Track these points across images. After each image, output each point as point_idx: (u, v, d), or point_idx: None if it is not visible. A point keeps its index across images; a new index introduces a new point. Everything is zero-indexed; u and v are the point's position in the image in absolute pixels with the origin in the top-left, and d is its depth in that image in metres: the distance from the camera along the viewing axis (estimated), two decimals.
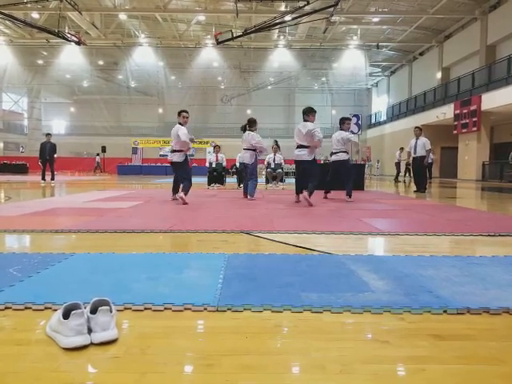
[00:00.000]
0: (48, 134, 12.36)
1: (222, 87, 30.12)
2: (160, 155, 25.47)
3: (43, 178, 11.95)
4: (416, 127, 9.87)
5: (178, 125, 6.15)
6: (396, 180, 16.35)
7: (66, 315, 1.30)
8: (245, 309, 1.60)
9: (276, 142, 11.65)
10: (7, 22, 21.48)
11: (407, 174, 16.86)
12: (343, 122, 6.83)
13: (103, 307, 1.33)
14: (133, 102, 29.53)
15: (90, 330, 1.30)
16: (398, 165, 17.29)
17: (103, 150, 24.39)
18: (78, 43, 18.39)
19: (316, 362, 1.21)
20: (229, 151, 15.60)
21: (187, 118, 6.23)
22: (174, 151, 6.21)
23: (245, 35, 16.51)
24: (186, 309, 1.60)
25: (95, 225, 3.73)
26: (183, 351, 1.27)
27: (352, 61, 26.58)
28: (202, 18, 23.57)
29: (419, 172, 9.69)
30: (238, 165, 10.71)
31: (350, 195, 6.55)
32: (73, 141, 28.43)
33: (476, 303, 1.65)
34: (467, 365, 1.20)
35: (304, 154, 5.87)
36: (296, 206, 5.64)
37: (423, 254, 2.58)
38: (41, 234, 3.36)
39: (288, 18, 15.68)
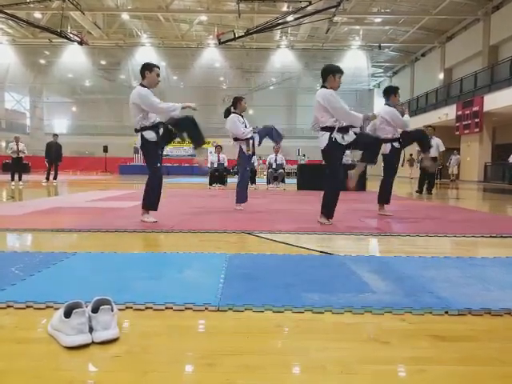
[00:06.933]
0: (55, 135, 12.42)
1: (224, 87, 30.08)
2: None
3: (47, 178, 11.97)
4: (429, 126, 9.43)
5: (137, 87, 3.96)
6: None
7: (67, 314, 1.30)
8: (246, 309, 1.60)
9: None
10: (10, 21, 21.53)
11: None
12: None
13: (104, 306, 1.33)
14: None
15: (91, 329, 1.31)
16: None
17: (105, 149, 24.40)
18: (81, 43, 18.42)
19: (316, 362, 1.21)
20: (230, 151, 15.58)
21: (159, 75, 4.02)
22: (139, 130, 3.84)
23: (247, 35, 16.51)
24: (187, 308, 1.61)
25: (97, 224, 3.74)
26: (184, 351, 1.28)
27: (354, 61, 26.52)
28: (204, 18, 23.57)
29: (429, 173, 8.95)
30: None
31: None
32: (75, 140, 28.39)
33: (477, 304, 1.65)
34: (468, 366, 1.20)
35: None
36: (297, 207, 5.63)
37: (424, 255, 2.58)
38: (42, 233, 3.37)
39: (290, 18, 15.69)
